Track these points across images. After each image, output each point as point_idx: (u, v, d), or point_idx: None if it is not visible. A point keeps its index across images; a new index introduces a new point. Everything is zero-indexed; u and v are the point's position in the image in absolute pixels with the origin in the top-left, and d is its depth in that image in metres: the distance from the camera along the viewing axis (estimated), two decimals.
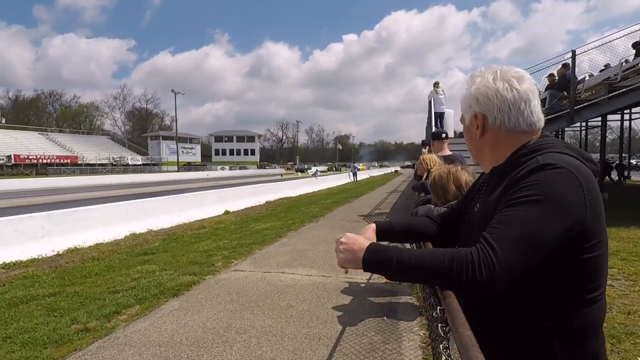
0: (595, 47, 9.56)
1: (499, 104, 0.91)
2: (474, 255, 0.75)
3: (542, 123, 0.93)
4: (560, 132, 17.20)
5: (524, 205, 0.78)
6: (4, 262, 5.34)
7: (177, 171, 50.80)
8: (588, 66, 10.12)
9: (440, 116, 10.97)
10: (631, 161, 25.74)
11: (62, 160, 47.63)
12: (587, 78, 10.03)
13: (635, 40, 9.48)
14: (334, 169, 71.84)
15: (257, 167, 74.23)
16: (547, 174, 0.79)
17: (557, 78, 10.10)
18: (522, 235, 0.75)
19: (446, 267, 0.77)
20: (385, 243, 0.97)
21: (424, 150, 5.47)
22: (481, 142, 0.98)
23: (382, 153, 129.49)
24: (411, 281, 0.98)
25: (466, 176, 1.71)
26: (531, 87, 0.92)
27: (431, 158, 3.15)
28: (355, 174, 29.35)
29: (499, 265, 0.73)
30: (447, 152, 3.91)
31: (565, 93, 9.32)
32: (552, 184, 0.78)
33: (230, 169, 63.06)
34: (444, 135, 4.01)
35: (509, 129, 0.92)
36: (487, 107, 0.93)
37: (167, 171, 51.64)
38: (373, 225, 1.15)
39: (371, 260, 0.88)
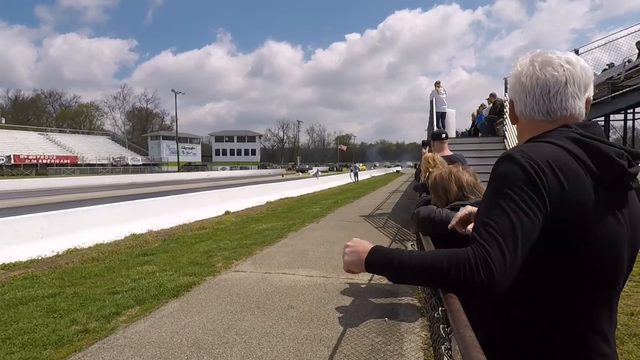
0: (599, 46, 9.49)
1: (520, 91, 0.92)
2: (471, 256, 0.75)
3: (565, 112, 0.88)
4: None
5: (490, 200, 0.80)
6: (3, 263, 5.32)
7: (178, 171, 50.84)
8: (592, 65, 10.07)
9: (442, 116, 10.94)
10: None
11: (62, 161, 47.65)
12: None
13: (639, 40, 9.43)
14: (334, 169, 71.89)
15: (258, 167, 74.26)
16: (499, 165, 0.83)
17: None
18: (502, 230, 0.75)
19: (444, 268, 0.77)
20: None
21: (424, 150, 5.46)
22: (516, 129, 1.01)
23: (384, 153, 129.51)
24: (412, 283, 0.97)
25: (467, 176, 1.69)
26: (556, 74, 0.87)
27: (433, 158, 3.13)
28: (356, 174, 29.32)
29: (496, 265, 0.73)
30: (448, 152, 3.89)
31: None
32: (502, 174, 0.81)
33: (231, 169, 63.08)
34: (443, 135, 4.00)
35: (527, 117, 0.93)
36: (513, 93, 0.95)
37: (168, 171, 51.72)
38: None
39: (374, 262, 0.89)
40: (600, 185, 0.79)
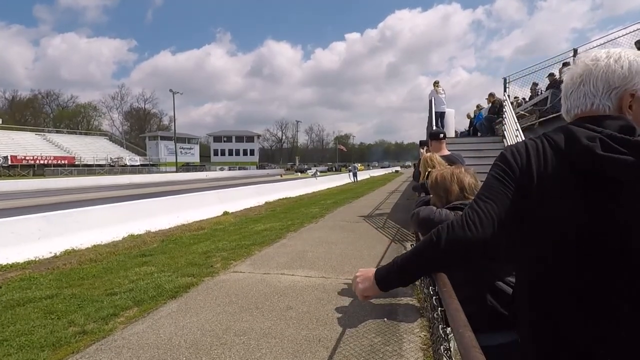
0: (598, 46, 9.48)
1: None
2: (452, 221, 0.93)
3: (577, 109, 0.94)
4: None
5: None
6: (0, 264, 5.30)
7: (176, 172, 50.71)
8: None
9: (441, 116, 10.94)
10: None
11: (59, 161, 47.42)
12: None
13: (637, 39, 9.42)
14: (333, 169, 71.94)
15: (257, 168, 74.16)
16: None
17: (557, 77, 10.09)
18: (478, 197, 0.94)
19: (432, 239, 0.94)
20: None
21: (422, 150, 5.45)
22: None
23: (383, 153, 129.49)
24: (421, 272, 1.08)
25: (469, 178, 1.67)
26: (574, 74, 0.94)
27: (431, 158, 3.12)
28: (355, 174, 29.29)
29: (468, 221, 0.90)
30: (446, 152, 3.89)
31: None
32: (493, 164, 0.98)
33: (230, 170, 62.97)
34: (441, 135, 3.99)
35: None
36: None
37: (166, 172, 51.54)
38: None
39: (381, 277, 1.05)
40: (569, 165, 0.84)
